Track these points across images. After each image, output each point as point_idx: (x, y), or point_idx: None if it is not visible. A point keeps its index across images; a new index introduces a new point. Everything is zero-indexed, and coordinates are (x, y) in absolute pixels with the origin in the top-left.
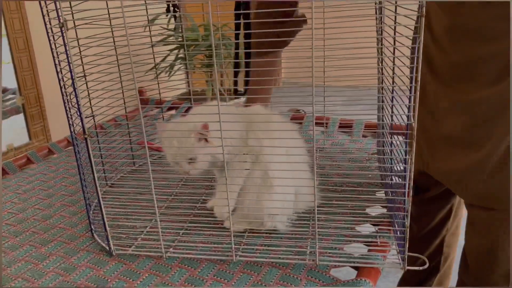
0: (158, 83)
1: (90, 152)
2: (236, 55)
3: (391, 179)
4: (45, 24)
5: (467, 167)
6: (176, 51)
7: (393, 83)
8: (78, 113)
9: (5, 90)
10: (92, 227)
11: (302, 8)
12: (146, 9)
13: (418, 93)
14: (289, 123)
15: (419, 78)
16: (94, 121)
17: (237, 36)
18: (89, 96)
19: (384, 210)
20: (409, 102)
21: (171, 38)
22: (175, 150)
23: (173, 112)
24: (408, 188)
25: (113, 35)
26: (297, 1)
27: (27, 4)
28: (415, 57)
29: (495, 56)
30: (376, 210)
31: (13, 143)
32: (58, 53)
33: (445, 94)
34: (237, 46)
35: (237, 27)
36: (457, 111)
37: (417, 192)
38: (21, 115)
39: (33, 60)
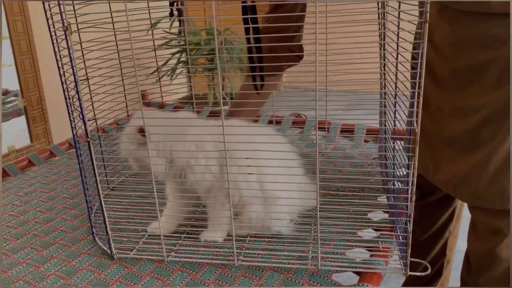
0: (160, 87)
1: (93, 155)
2: (251, 59)
3: (393, 184)
4: (49, 27)
5: (468, 169)
6: (178, 54)
7: (396, 89)
8: (80, 116)
9: (7, 92)
10: (94, 230)
11: (306, 14)
12: (149, 13)
13: (421, 98)
14: (266, 129)
15: (422, 84)
16: (96, 124)
17: (248, 40)
18: (91, 99)
19: (386, 215)
20: (412, 107)
21: (173, 42)
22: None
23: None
24: (411, 193)
25: (115, 38)
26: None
27: (30, 6)
28: (418, 63)
29: (495, 61)
30: (378, 215)
31: (14, 145)
32: (62, 56)
33: (447, 100)
34: (250, 50)
35: (247, 30)
36: (459, 116)
37: (422, 197)
38: (23, 117)
39: (36, 62)
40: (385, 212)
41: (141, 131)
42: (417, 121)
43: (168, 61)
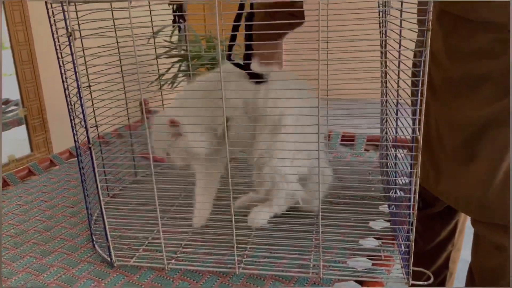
0: (161, 95)
1: (94, 161)
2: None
3: (395, 193)
4: (52, 34)
5: (468, 181)
6: (178, 63)
7: (397, 96)
8: (82, 122)
9: (7, 102)
10: (94, 238)
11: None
12: (151, 21)
13: (424, 105)
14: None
15: (425, 91)
16: (98, 131)
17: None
18: (93, 106)
19: (387, 224)
20: (415, 115)
21: (174, 50)
22: (155, 144)
23: None
24: (413, 202)
25: (118, 45)
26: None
27: (31, 16)
28: (421, 71)
29: (491, 73)
30: (379, 224)
31: (14, 155)
32: (64, 63)
33: (444, 110)
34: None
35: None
36: (455, 126)
37: (423, 207)
38: (23, 127)
39: (36, 72)
40: (386, 220)
41: (173, 122)
42: (419, 129)
43: (169, 69)
